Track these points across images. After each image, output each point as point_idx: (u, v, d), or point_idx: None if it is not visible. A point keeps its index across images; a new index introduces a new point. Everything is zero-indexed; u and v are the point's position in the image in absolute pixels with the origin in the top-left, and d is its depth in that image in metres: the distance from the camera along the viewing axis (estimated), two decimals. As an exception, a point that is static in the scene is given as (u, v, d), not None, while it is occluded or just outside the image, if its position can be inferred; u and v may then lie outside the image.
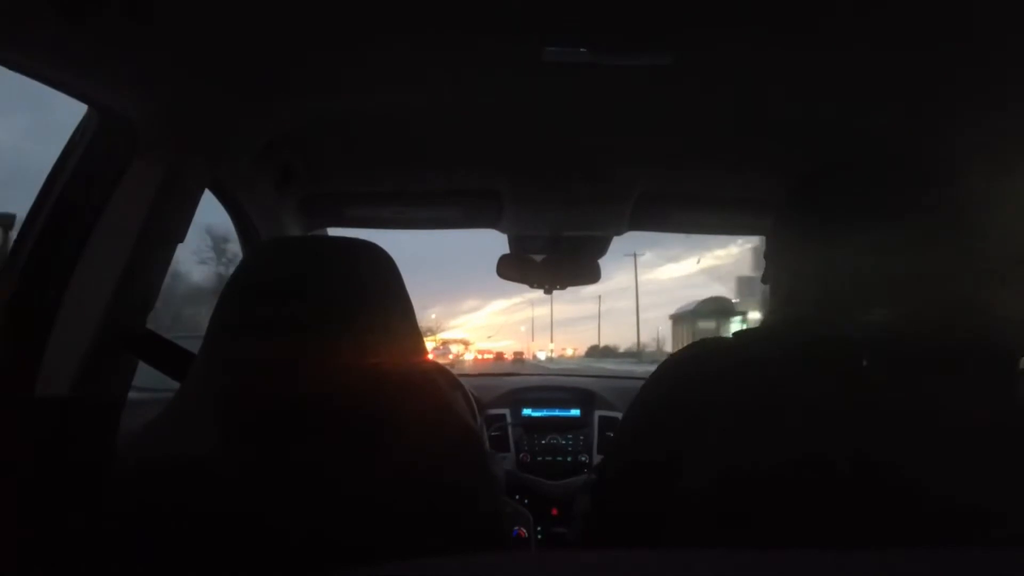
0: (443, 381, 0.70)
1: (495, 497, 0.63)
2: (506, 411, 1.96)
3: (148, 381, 1.03)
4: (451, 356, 26.82)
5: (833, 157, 0.66)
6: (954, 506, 0.48)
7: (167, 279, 0.95)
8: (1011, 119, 0.90)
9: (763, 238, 0.77)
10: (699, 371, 0.62)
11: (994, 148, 0.94)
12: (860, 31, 0.76)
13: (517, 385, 2.11)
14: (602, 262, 1.80)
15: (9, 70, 0.68)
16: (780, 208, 0.68)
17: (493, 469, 0.65)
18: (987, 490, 0.48)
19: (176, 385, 0.73)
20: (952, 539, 0.46)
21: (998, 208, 0.54)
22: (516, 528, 1.72)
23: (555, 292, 1.85)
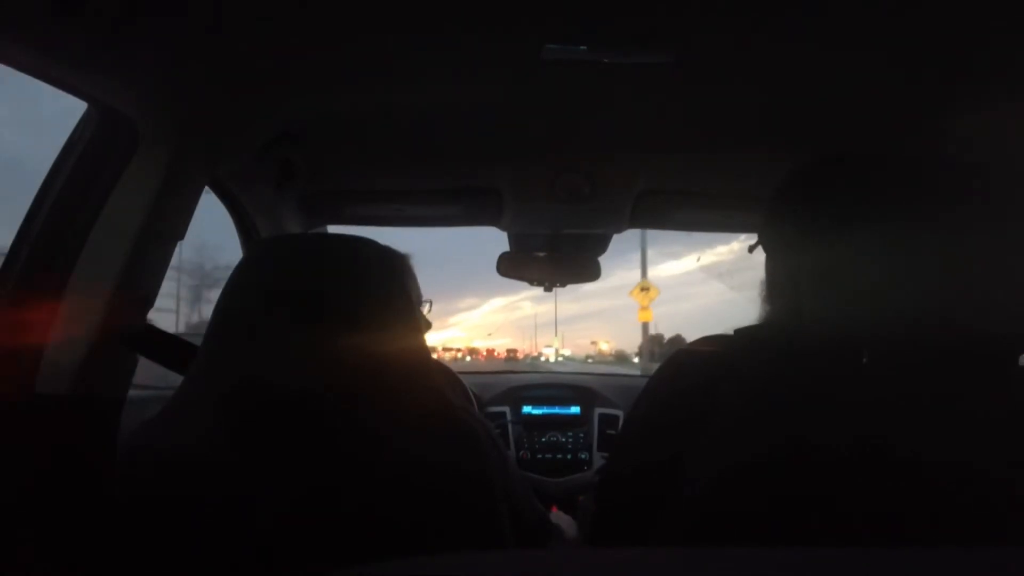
0: (443, 379, 0.70)
1: (494, 495, 0.63)
2: (506, 409, 1.96)
3: (149, 379, 1.03)
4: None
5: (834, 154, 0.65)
6: (956, 502, 0.48)
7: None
8: (1012, 112, 0.90)
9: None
10: (701, 369, 0.62)
11: (995, 142, 0.94)
12: (862, 28, 0.76)
13: (517, 383, 2.11)
14: (602, 259, 1.81)
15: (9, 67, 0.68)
16: (772, 203, 0.66)
17: (497, 467, 0.65)
18: (989, 486, 0.48)
19: (176, 383, 0.73)
20: (955, 534, 0.47)
21: (998, 202, 0.54)
22: None
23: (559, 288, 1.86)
